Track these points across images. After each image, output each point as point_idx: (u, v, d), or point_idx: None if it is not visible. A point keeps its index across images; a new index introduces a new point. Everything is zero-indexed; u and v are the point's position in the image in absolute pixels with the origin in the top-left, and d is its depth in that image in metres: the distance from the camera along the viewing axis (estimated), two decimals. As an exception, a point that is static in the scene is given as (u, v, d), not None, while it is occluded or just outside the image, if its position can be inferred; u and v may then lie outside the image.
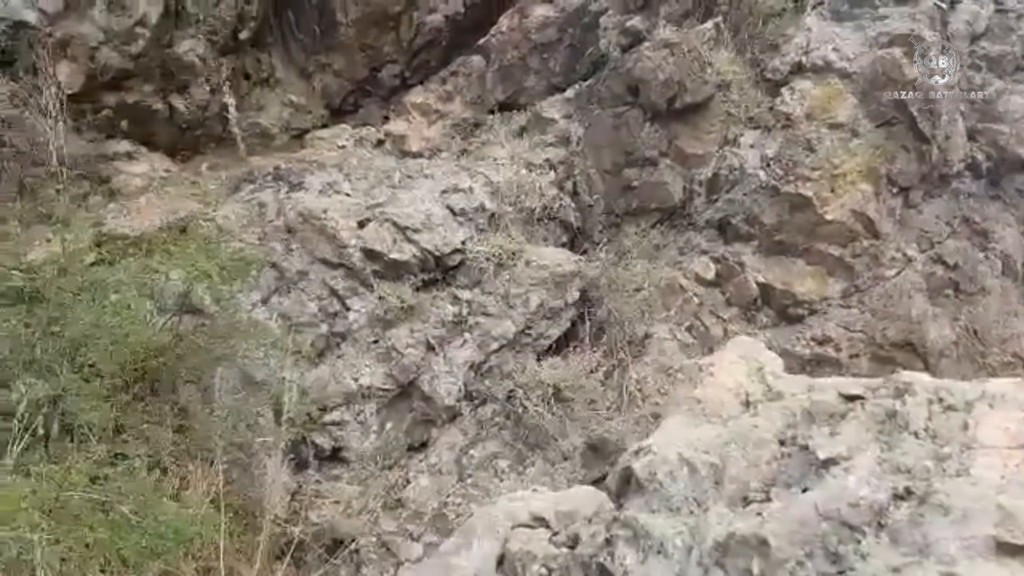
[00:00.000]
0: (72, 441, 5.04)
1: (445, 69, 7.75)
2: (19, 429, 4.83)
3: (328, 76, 8.11)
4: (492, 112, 7.36)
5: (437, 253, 6.18)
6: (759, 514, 1.71)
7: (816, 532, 1.61)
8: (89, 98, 6.99)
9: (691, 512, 1.77)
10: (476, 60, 7.58)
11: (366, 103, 8.29)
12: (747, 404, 2.00)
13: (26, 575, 4.11)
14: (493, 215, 6.43)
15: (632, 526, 1.82)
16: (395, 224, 6.21)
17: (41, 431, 4.98)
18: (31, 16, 6.67)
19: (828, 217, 6.64)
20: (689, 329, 6.53)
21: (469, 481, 5.84)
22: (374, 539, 5.64)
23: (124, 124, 7.11)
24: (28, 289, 5.48)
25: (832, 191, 6.69)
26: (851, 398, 1.87)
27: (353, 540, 5.52)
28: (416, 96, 7.62)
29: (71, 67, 6.84)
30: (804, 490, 1.73)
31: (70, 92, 6.69)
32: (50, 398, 5.05)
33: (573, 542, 2.04)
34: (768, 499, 1.75)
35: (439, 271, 6.23)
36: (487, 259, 6.22)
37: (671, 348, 6.38)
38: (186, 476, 5.06)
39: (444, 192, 6.39)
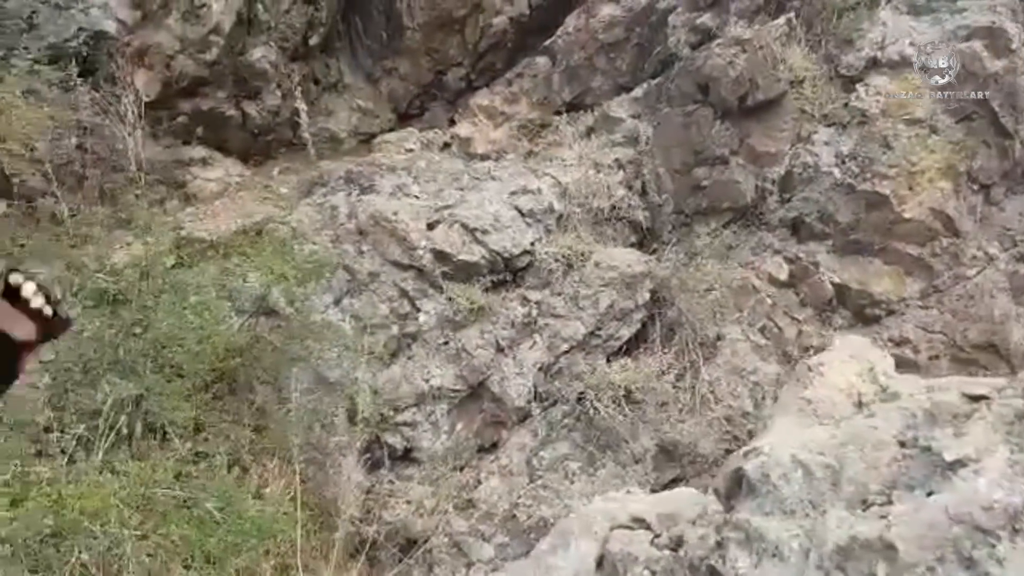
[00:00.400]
0: (155, 439, 5.16)
1: (510, 71, 7.76)
2: (105, 428, 4.97)
3: (394, 80, 8.19)
4: (558, 113, 7.34)
5: (506, 254, 6.18)
6: (883, 517, 1.65)
7: (947, 536, 1.55)
8: (165, 105, 7.17)
9: (807, 515, 1.73)
10: (542, 61, 7.57)
11: (432, 106, 8.35)
12: (860, 404, 1.95)
13: (114, 569, 4.22)
14: (561, 216, 6.41)
15: (744, 528, 1.78)
16: (464, 226, 6.22)
17: (125, 430, 5.12)
18: (110, 26, 6.86)
19: (906, 215, 6.46)
20: (762, 330, 6.41)
21: (540, 482, 5.82)
22: (446, 539, 5.66)
23: (199, 130, 7.27)
24: (112, 291, 5.64)
25: (910, 188, 6.52)
26: (975, 398, 1.80)
27: (426, 540, 5.54)
28: (482, 98, 7.64)
29: (148, 75, 7.02)
30: (929, 493, 1.68)
31: (147, 100, 6.88)
32: (134, 398, 5.18)
33: (676, 544, 2.00)
34: (890, 502, 1.69)
35: (508, 272, 6.23)
36: (556, 260, 6.20)
37: (744, 350, 6.28)
38: (264, 474, 5.14)
39: (512, 193, 6.39)
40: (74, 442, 4.96)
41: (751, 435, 6.15)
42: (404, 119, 8.32)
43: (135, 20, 6.95)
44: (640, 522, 2.15)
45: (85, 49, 6.70)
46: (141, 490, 4.33)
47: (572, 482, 5.81)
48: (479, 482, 5.83)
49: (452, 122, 7.97)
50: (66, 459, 4.78)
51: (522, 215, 6.28)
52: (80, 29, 6.73)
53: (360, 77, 8.16)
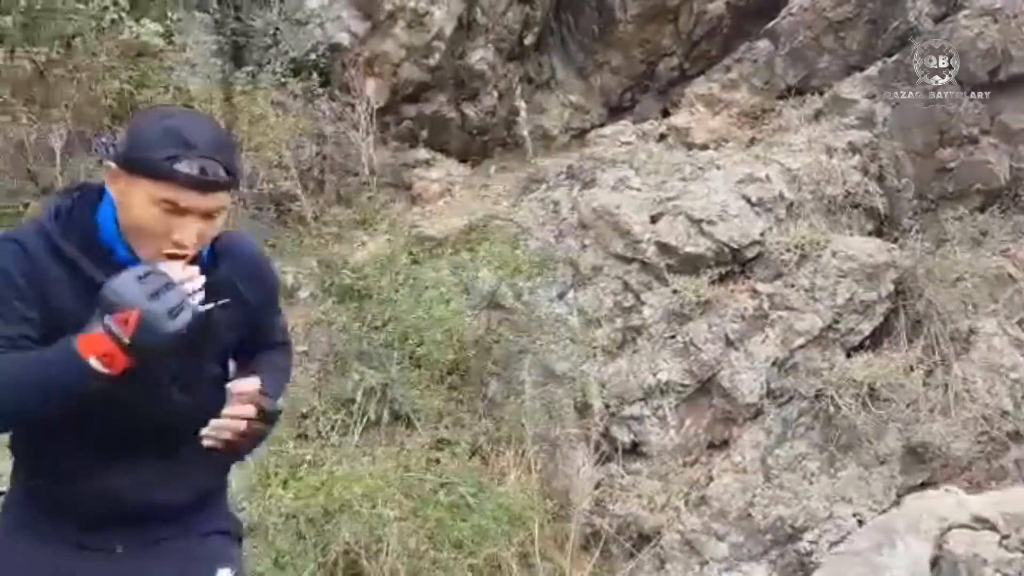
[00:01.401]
0: (401, 426, 5.43)
1: (728, 57, 7.53)
2: (358, 414, 5.28)
3: (606, 74, 8.18)
4: (782, 97, 7.04)
5: (734, 245, 5.99)
6: None
7: None
8: (392, 111, 7.53)
9: None
10: (762, 45, 7.29)
11: (642, 98, 8.27)
12: None
13: (373, 550, 4.46)
14: (792, 204, 6.14)
15: None
16: (689, 217, 6.10)
17: (373, 417, 5.42)
18: (344, 38, 7.29)
19: None
20: (1020, 323, 5.86)
21: (775, 482, 5.60)
22: (678, 536, 5.56)
23: (423, 134, 7.58)
24: (356, 287, 6.00)
25: None
26: None
27: (658, 535, 5.47)
28: (698, 87, 7.47)
29: (377, 83, 7.39)
30: None
31: (377, 106, 7.24)
32: (380, 386, 5.47)
33: (1031, 547, 1.83)
34: None
35: (736, 264, 6.04)
36: (788, 250, 5.93)
37: (1001, 344, 5.75)
38: (503, 463, 5.26)
39: (739, 182, 6.19)
40: (329, 427, 5.31)
41: (1011, 436, 5.64)
42: (614, 113, 8.29)
43: (365, 31, 7.34)
44: (983, 522, 1.98)
45: (322, 61, 7.16)
46: (399, 474, 4.55)
47: (811, 483, 5.55)
48: (711, 479, 5.68)
49: (665, 113, 7.85)
50: (325, 443, 5.13)
51: (750, 204, 6.07)
52: (318, 43, 7.20)
53: (571, 73, 8.22)
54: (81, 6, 6.30)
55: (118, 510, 1.81)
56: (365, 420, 5.32)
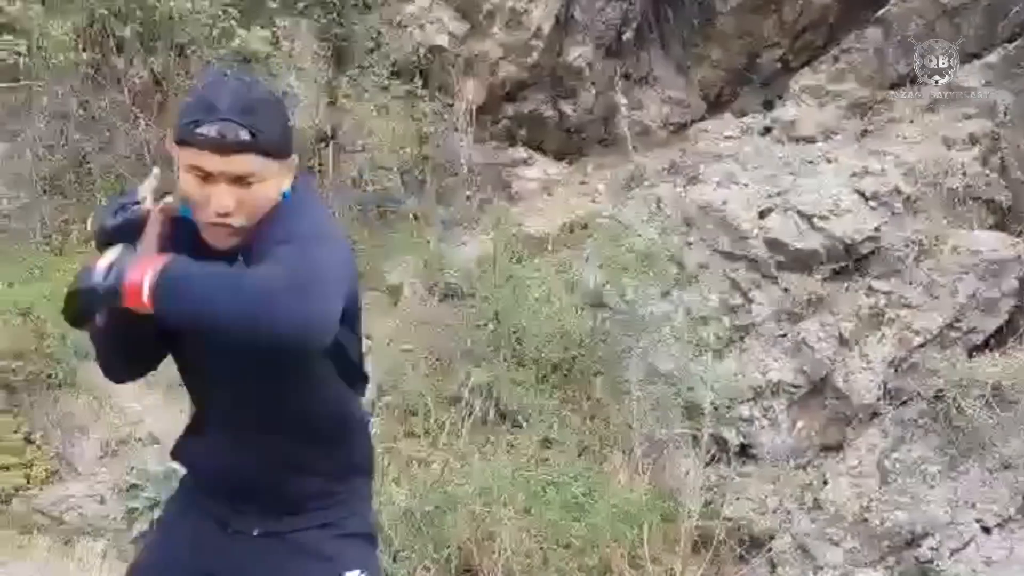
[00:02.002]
0: (506, 425, 5.44)
1: (836, 47, 7.30)
2: (465, 412, 5.32)
3: (705, 68, 8.05)
4: (894, 88, 6.79)
5: (848, 241, 5.80)
6: None
7: None
8: (490, 110, 7.57)
9: None
10: (872, 34, 7.04)
11: (743, 91, 8.10)
12: None
13: (485, 546, 4.48)
14: (909, 198, 5.90)
15: None
16: (799, 212, 5.93)
17: (479, 414, 5.44)
18: (443, 40, 7.37)
19: None
20: None
21: (893, 486, 5.39)
22: (789, 539, 5.42)
23: (521, 132, 7.60)
24: (459, 286, 6.05)
25: None
26: None
27: (771, 538, 5.35)
28: (804, 78, 7.26)
29: (475, 83, 7.44)
30: None
31: (475, 106, 7.29)
32: (485, 385, 5.50)
33: None
34: None
35: (850, 260, 5.84)
36: (905, 246, 5.71)
37: None
38: (613, 464, 5.22)
39: (852, 176, 5.98)
40: (437, 425, 5.37)
41: None
42: (714, 107, 8.15)
43: (464, 32, 7.40)
44: None
45: (423, 63, 7.25)
46: (510, 472, 4.56)
47: (931, 487, 5.32)
48: (825, 482, 5.51)
49: (768, 105, 7.67)
50: (434, 441, 5.18)
51: (864, 198, 5.86)
52: (418, 45, 7.29)
53: (670, 68, 8.11)
54: (194, 16, 6.52)
55: (253, 492, 1.84)
56: (472, 418, 5.35)
